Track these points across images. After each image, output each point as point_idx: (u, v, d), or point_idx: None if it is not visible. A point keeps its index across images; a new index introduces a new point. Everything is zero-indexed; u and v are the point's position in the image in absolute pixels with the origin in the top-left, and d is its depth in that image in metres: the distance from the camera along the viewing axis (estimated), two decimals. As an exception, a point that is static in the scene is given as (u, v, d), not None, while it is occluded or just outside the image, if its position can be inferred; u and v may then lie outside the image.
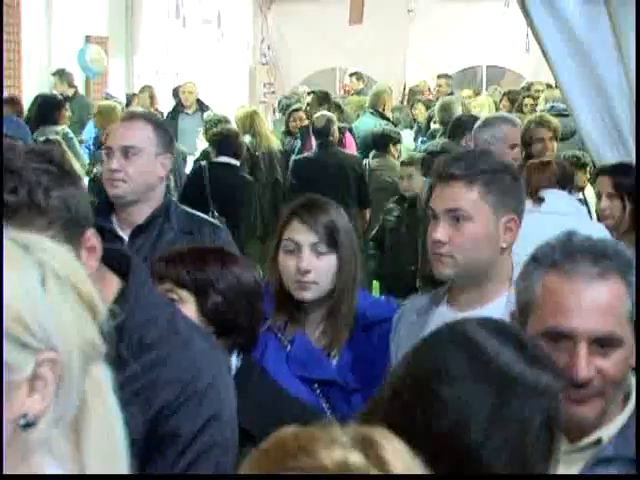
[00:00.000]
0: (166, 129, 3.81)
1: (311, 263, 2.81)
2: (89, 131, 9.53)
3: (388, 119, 10.02)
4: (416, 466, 1.12)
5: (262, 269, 4.16)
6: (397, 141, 8.49)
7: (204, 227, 3.67)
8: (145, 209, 3.60)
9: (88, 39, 12.69)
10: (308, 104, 9.65)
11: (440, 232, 2.58)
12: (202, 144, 8.82)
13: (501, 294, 2.59)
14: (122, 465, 1.36)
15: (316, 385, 2.79)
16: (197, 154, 8.56)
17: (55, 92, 10.34)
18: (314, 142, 8.37)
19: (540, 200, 4.56)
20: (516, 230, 2.62)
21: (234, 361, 2.47)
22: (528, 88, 12.00)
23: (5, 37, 11.18)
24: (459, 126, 6.55)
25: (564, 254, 1.84)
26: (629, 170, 4.71)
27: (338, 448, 1.08)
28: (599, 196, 4.83)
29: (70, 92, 10.74)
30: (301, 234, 2.83)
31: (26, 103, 9.00)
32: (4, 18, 10.80)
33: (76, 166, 6.64)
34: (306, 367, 2.81)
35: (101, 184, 6.31)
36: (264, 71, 15.55)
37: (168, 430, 1.93)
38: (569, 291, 1.81)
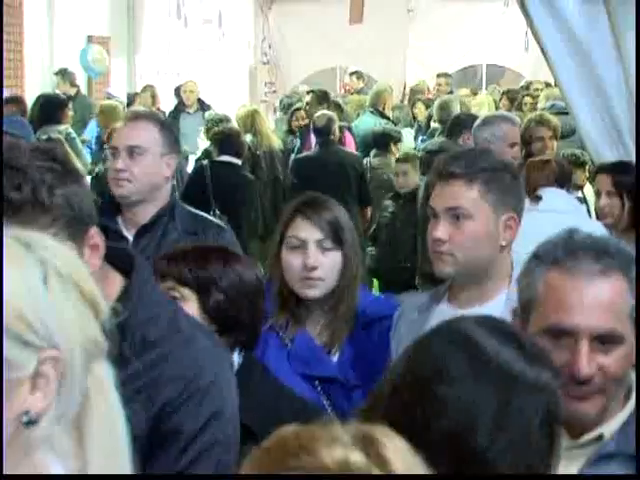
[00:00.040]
0: (171, 129, 3.81)
1: (317, 259, 2.80)
2: (91, 130, 9.54)
3: (388, 118, 10.03)
4: (417, 465, 1.12)
5: (263, 268, 4.17)
6: (398, 140, 8.51)
7: (208, 228, 3.66)
8: (150, 209, 3.60)
9: (90, 39, 12.68)
10: (307, 103, 9.66)
11: (440, 230, 2.59)
12: (203, 143, 8.83)
13: (501, 292, 2.61)
14: (124, 462, 1.37)
15: (317, 382, 2.79)
16: (198, 153, 8.57)
17: (58, 92, 10.35)
18: (313, 141, 8.38)
19: (537, 198, 4.57)
20: (516, 228, 2.63)
21: (236, 358, 2.47)
22: (527, 87, 12.00)
23: (8, 37, 11.19)
24: (457, 124, 6.54)
25: (566, 251, 1.84)
26: (629, 168, 4.72)
27: (339, 447, 1.08)
28: (598, 194, 4.84)
29: (72, 92, 10.73)
30: (306, 231, 2.82)
31: (28, 103, 9.00)
32: (6, 18, 10.81)
33: (78, 165, 6.63)
34: (307, 364, 2.81)
35: (103, 183, 6.35)
36: (265, 70, 15.57)
37: (170, 427, 1.94)
38: (571, 288, 1.81)
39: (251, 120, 8.51)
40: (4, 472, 1.25)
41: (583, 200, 5.94)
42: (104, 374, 1.35)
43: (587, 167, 6.29)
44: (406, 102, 13.03)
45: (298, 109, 9.77)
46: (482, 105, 11.15)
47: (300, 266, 2.81)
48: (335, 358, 2.85)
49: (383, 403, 1.50)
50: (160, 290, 2.19)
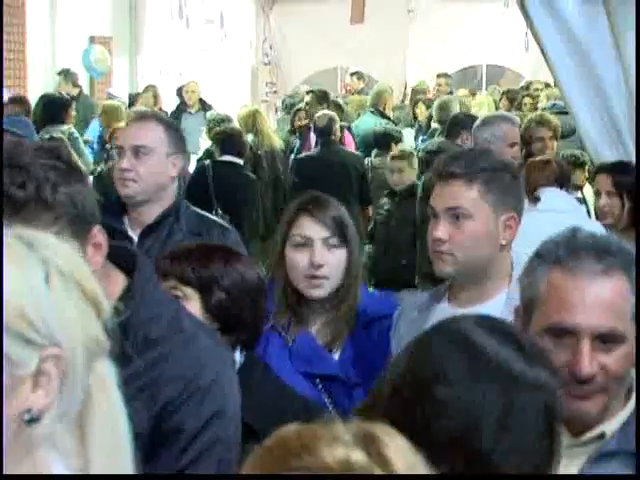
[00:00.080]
0: (177, 129, 3.80)
1: (323, 257, 2.80)
2: (93, 130, 9.56)
3: (388, 118, 10.05)
4: (419, 464, 1.12)
5: (263, 267, 4.18)
6: (399, 140, 8.52)
7: (213, 229, 3.65)
8: (156, 209, 3.59)
9: (92, 39, 12.67)
10: (307, 103, 9.67)
11: (440, 230, 2.60)
12: (205, 143, 8.84)
13: (501, 291, 2.62)
14: (126, 460, 1.37)
15: (318, 380, 2.79)
16: (200, 153, 8.58)
17: (61, 92, 10.36)
18: (312, 141, 8.39)
19: (536, 199, 4.58)
20: (515, 228, 2.64)
21: (237, 357, 2.47)
22: (527, 87, 12.02)
23: (10, 37, 11.21)
24: (456, 124, 6.54)
25: (568, 251, 1.85)
26: (628, 168, 4.74)
27: (340, 446, 1.08)
28: (598, 194, 4.85)
29: (74, 92, 10.75)
30: (311, 229, 2.82)
31: (31, 103, 9.01)
32: (9, 19, 10.84)
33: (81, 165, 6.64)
34: (308, 363, 2.81)
35: (105, 183, 6.37)
36: (266, 71, 15.58)
37: (172, 426, 1.95)
38: (573, 287, 1.82)
39: (252, 120, 8.52)
40: (6, 469, 1.26)
41: (583, 201, 5.95)
42: (106, 372, 1.35)
43: (586, 167, 6.29)
44: (407, 102, 13.04)
45: (301, 109, 9.79)
46: (482, 105, 11.17)
47: (306, 264, 2.81)
48: (336, 356, 2.85)
49: (383, 402, 1.50)
50: (162, 289, 2.20)
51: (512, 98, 11.13)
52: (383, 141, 8.40)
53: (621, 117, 4.77)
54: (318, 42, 14.78)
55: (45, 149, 1.91)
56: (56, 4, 12.06)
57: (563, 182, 4.81)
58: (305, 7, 15.09)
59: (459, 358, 1.48)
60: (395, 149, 8.31)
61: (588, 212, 5.54)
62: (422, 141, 9.24)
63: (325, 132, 8.01)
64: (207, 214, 3.86)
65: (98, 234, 1.92)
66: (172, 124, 3.86)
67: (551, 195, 4.66)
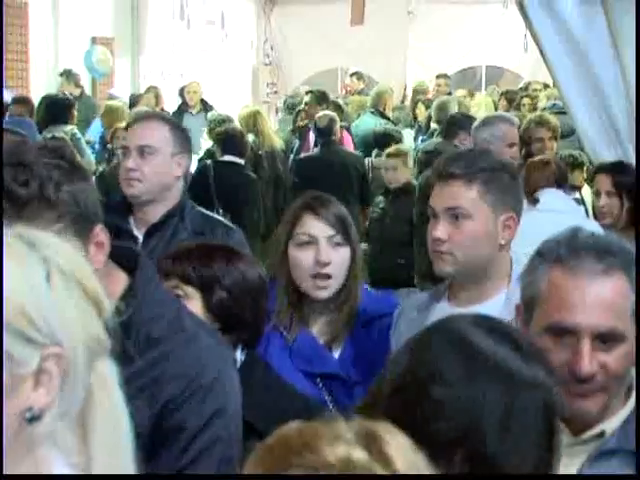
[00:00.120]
0: (183, 129, 3.79)
1: (329, 255, 2.81)
2: (94, 130, 9.58)
3: (388, 118, 10.07)
4: (420, 462, 1.12)
5: (264, 266, 4.18)
6: (399, 140, 8.53)
7: (217, 228, 3.65)
8: (161, 208, 3.60)
9: (94, 40, 12.66)
10: (306, 103, 9.68)
11: (440, 230, 2.61)
12: (206, 143, 8.86)
13: (500, 291, 2.63)
14: (128, 458, 1.37)
15: (318, 379, 2.80)
16: (201, 153, 8.60)
17: (65, 92, 10.37)
18: (312, 141, 8.41)
19: (535, 201, 4.59)
20: (514, 228, 2.65)
21: (238, 356, 2.48)
22: (526, 88, 12.01)
23: (13, 38, 11.24)
24: (453, 124, 6.55)
25: (569, 250, 1.85)
26: (628, 168, 4.76)
27: (342, 444, 1.08)
28: (598, 194, 4.86)
29: (76, 92, 10.77)
30: (316, 227, 2.82)
31: (34, 104, 9.03)
32: (12, 20, 10.87)
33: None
34: (309, 361, 2.82)
35: (107, 182, 6.38)
36: (267, 71, 15.57)
37: (174, 424, 1.95)
38: (573, 287, 1.83)
39: (253, 120, 8.54)
40: (7, 468, 1.26)
41: (581, 201, 5.96)
42: (107, 371, 1.36)
43: (585, 168, 6.31)
44: (406, 103, 13.05)
45: (302, 110, 9.81)
46: (480, 106, 11.19)
47: (311, 263, 2.80)
48: (336, 355, 2.85)
49: (383, 402, 1.49)
50: (164, 289, 2.20)
51: (511, 99, 11.15)
52: (383, 141, 8.41)
53: (619, 117, 4.79)
54: (319, 43, 14.77)
55: (49, 148, 1.92)
56: (58, 5, 12.07)
57: (561, 182, 4.83)
58: (306, 8, 15.09)
59: (455, 358, 1.48)
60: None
61: (586, 212, 5.55)
62: (422, 141, 9.26)
63: (326, 132, 8.02)
64: (212, 214, 3.86)
65: (100, 233, 1.93)
66: (177, 124, 3.85)
67: (551, 195, 4.68)
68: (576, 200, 5.58)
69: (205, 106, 11.10)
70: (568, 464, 1.77)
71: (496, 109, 10.91)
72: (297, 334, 2.86)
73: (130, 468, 1.38)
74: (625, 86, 4.60)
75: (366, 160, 8.35)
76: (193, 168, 7.64)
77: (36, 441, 1.29)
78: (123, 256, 2.05)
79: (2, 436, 1.25)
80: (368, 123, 9.62)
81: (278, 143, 8.68)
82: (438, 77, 12.87)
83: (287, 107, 11.44)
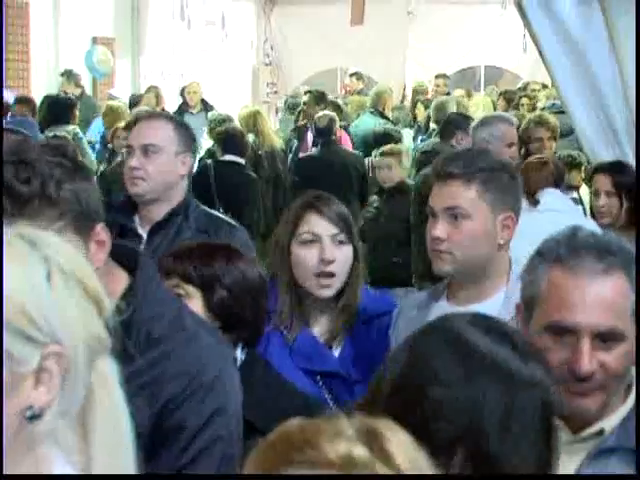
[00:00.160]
0: (187, 128, 3.79)
1: (333, 253, 2.80)
2: (94, 129, 9.59)
3: (388, 118, 10.08)
4: (421, 459, 1.12)
5: (264, 265, 4.18)
6: (398, 140, 8.56)
7: (221, 227, 3.64)
8: (165, 207, 3.59)
9: (95, 40, 12.68)
10: (304, 103, 9.69)
11: (439, 229, 2.62)
12: (206, 143, 8.88)
13: (499, 290, 2.64)
14: (128, 457, 1.37)
15: (319, 377, 2.80)
16: (202, 153, 8.62)
17: (66, 92, 10.38)
18: (310, 141, 8.42)
19: (536, 202, 4.60)
20: (513, 227, 2.66)
21: (239, 355, 2.48)
22: (524, 88, 12.03)
23: (14, 39, 11.27)
24: (450, 124, 6.56)
25: (569, 249, 1.85)
26: (627, 168, 4.78)
27: (343, 441, 1.08)
28: (597, 194, 4.88)
29: (77, 92, 10.78)
30: (320, 225, 2.82)
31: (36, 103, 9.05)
32: (13, 20, 10.90)
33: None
34: (309, 360, 2.82)
35: (107, 181, 6.39)
36: (267, 71, 15.57)
37: (174, 423, 1.96)
38: (574, 286, 1.83)
39: (253, 120, 8.56)
40: (7, 466, 1.26)
41: (579, 201, 5.97)
42: (108, 370, 1.36)
43: (583, 168, 6.32)
44: (406, 103, 13.07)
45: (301, 109, 9.84)
46: (477, 106, 11.21)
47: (315, 261, 2.80)
48: (336, 354, 2.86)
49: (383, 400, 1.49)
50: (165, 288, 2.21)
51: (509, 99, 11.17)
52: (383, 141, 8.42)
53: (617, 117, 4.80)
54: (318, 43, 14.78)
55: (51, 146, 1.93)
56: (59, 5, 12.10)
57: (558, 182, 4.84)
58: (305, 8, 15.10)
59: (452, 358, 1.48)
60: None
61: (584, 212, 5.56)
62: (421, 141, 9.27)
63: (325, 132, 8.04)
64: (216, 213, 3.85)
65: (101, 232, 1.93)
66: (182, 123, 3.85)
67: (550, 196, 4.69)
68: (574, 200, 5.59)
69: (205, 106, 11.12)
70: (568, 462, 1.78)
71: (495, 109, 10.93)
72: (297, 333, 2.85)
73: (130, 467, 1.38)
74: (623, 86, 4.62)
75: (366, 160, 8.37)
76: (194, 168, 7.67)
77: (37, 439, 1.30)
78: (124, 255, 2.05)
79: (2, 436, 1.26)
80: (368, 123, 9.64)
81: (278, 143, 8.70)
82: (437, 77, 12.87)
83: (288, 107, 11.46)
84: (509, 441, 1.43)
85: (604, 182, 4.81)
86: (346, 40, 14.16)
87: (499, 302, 2.57)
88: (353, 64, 14.58)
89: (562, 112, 6.73)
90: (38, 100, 8.88)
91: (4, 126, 6.79)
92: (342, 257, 2.83)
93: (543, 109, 8.29)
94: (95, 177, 6.87)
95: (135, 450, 1.39)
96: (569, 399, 1.78)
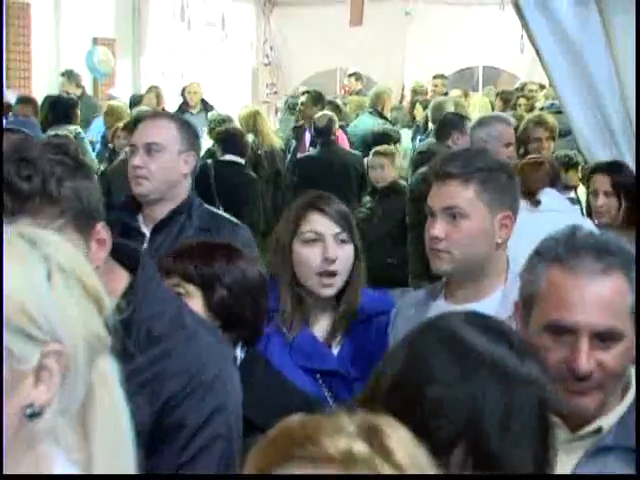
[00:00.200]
0: (191, 127, 3.79)
1: (336, 252, 2.82)
2: (95, 128, 9.61)
3: (386, 118, 10.10)
4: (421, 455, 1.12)
5: (263, 264, 4.18)
6: (397, 140, 8.59)
7: (224, 225, 3.64)
8: (168, 206, 3.59)
9: (96, 41, 12.68)
10: (302, 104, 9.70)
11: (438, 229, 2.64)
12: (206, 143, 8.89)
13: (497, 288, 2.66)
14: (128, 455, 1.38)
15: (318, 376, 2.81)
16: (201, 153, 8.62)
17: (68, 92, 10.39)
18: (307, 141, 8.43)
19: (537, 202, 4.61)
20: (511, 227, 2.68)
21: (239, 353, 2.49)
22: (522, 88, 12.04)
23: (15, 39, 11.28)
24: (445, 124, 6.58)
25: (568, 249, 1.86)
26: (625, 168, 4.80)
27: (343, 437, 1.09)
28: (595, 193, 4.89)
29: (78, 92, 10.79)
30: (323, 224, 2.83)
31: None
32: (14, 20, 10.91)
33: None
34: (309, 358, 2.82)
35: (108, 181, 6.39)
36: (267, 72, 15.56)
37: (174, 421, 1.96)
38: (573, 286, 1.84)
39: (253, 120, 8.58)
40: (8, 464, 1.26)
41: (577, 201, 5.98)
42: (108, 369, 1.36)
43: (580, 167, 6.34)
44: (404, 103, 13.08)
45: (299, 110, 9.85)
46: (474, 106, 11.23)
47: (318, 260, 2.81)
48: (335, 353, 2.87)
49: (382, 396, 1.49)
50: (165, 287, 2.21)
51: (506, 99, 11.17)
52: (382, 141, 8.43)
53: (614, 117, 4.81)
54: (318, 43, 14.77)
55: (53, 145, 1.94)
56: (60, 6, 12.11)
57: (554, 182, 4.85)
58: (305, 9, 15.09)
59: (448, 357, 1.48)
60: (394, 149, 8.36)
61: (581, 212, 5.58)
62: (420, 141, 9.29)
63: (325, 132, 8.06)
64: (219, 211, 3.86)
65: (102, 230, 1.94)
66: (185, 122, 3.84)
67: (548, 196, 4.70)
68: (571, 200, 5.61)
69: (205, 106, 11.13)
70: (566, 460, 1.80)
71: (493, 109, 10.94)
72: (297, 333, 2.86)
73: (131, 465, 1.39)
74: (619, 86, 4.64)
75: (365, 160, 8.38)
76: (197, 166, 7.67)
77: (37, 437, 1.30)
78: (125, 254, 2.06)
79: (2, 435, 1.26)
80: (366, 123, 9.65)
81: (277, 143, 8.72)
82: (435, 77, 12.87)
83: (289, 107, 11.46)
84: (509, 439, 1.43)
85: (602, 182, 4.83)
86: (345, 41, 14.16)
87: (497, 301, 2.59)
88: (352, 64, 14.58)
89: (561, 112, 6.76)
90: (39, 100, 8.89)
91: (6, 126, 6.82)
92: (344, 256, 2.84)
93: (542, 109, 8.30)
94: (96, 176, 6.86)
95: (135, 448, 1.39)
96: (568, 398, 1.81)
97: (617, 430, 1.88)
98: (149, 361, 1.95)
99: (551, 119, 6.15)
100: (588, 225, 4.23)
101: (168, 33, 13.54)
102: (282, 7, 15.64)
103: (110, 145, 8.33)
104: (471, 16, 14.94)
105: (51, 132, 7.74)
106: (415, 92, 12.55)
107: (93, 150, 8.94)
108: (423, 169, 5.80)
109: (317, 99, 9.53)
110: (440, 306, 2.63)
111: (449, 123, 6.51)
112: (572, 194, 6.09)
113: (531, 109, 9.47)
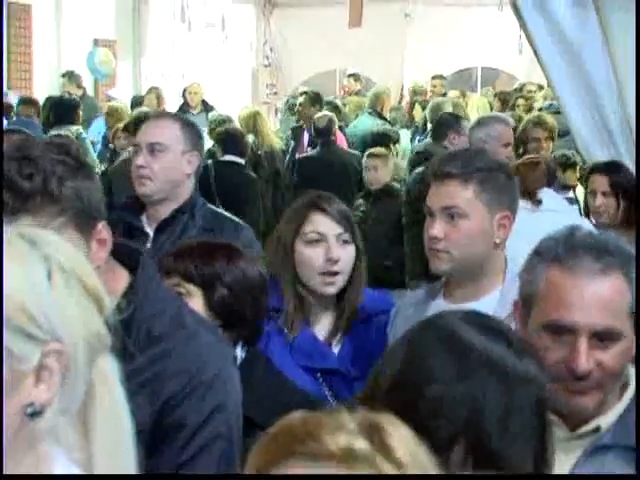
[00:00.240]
0: (194, 127, 3.79)
1: (339, 252, 2.82)
2: (95, 129, 9.62)
3: (385, 119, 10.11)
4: (421, 453, 1.13)
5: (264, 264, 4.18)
6: (396, 140, 8.60)
7: (226, 225, 3.64)
8: (172, 206, 3.59)
9: (96, 42, 12.69)
10: (300, 104, 9.71)
11: (436, 229, 2.64)
12: (207, 143, 8.90)
13: (495, 288, 2.67)
14: (129, 455, 1.38)
15: (319, 374, 2.82)
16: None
17: (70, 93, 10.40)
18: (305, 142, 8.43)
19: (539, 202, 4.62)
20: (509, 226, 2.69)
21: (239, 353, 2.50)
22: (520, 89, 12.06)
23: (16, 40, 11.30)
24: (441, 125, 6.58)
25: (567, 249, 1.86)
26: (624, 168, 4.81)
27: (344, 434, 1.09)
28: (593, 193, 4.91)
29: (79, 93, 10.81)
30: (325, 225, 2.84)
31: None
32: (15, 22, 10.92)
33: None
34: (309, 357, 2.83)
35: (108, 180, 6.40)
36: (267, 73, 15.57)
37: (174, 420, 1.97)
38: (572, 286, 1.84)
39: (253, 121, 8.59)
40: (9, 463, 1.27)
41: (575, 201, 6.00)
42: (108, 368, 1.37)
43: (578, 167, 6.35)
44: (403, 103, 13.10)
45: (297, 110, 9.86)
46: (472, 107, 11.25)
47: (321, 260, 2.81)
48: (335, 352, 2.88)
49: (382, 394, 1.49)
50: (165, 286, 2.22)
51: (504, 100, 11.20)
52: (381, 141, 8.45)
53: (612, 117, 4.82)
54: (317, 44, 14.77)
55: (55, 144, 1.95)
56: (61, 7, 12.13)
57: (551, 181, 4.87)
58: (305, 11, 15.10)
59: (447, 356, 1.48)
60: (393, 149, 8.37)
61: (579, 212, 5.60)
62: (419, 142, 9.30)
63: (325, 132, 8.07)
64: (222, 211, 3.86)
65: (103, 230, 1.94)
66: (189, 122, 3.85)
67: (547, 195, 4.72)
68: (569, 200, 5.62)
69: (206, 107, 11.14)
70: (564, 458, 1.81)
71: (491, 110, 10.96)
72: (298, 332, 2.87)
73: (131, 464, 1.39)
74: (617, 86, 4.65)
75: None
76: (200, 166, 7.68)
77: (37, 437, 1.31)
78: (125, 254, 2.06)
79: (2, 435, 1.26)
80: (366, 124, 9.67)
81: (277, 143, 8.73)
82: (434, 78, 12.88)
83: (289, 107, 11.47)
84: (508, 438, 1.43)
85: (601, 182, 4.84)
86: (345, 42, 14.17)
87: (495, 300, 2.61)
88: (352, 65, 14.60)
89: (559, 112, 6.77)
90: (40, 101, 8.91)
91: (8, 127, 6.83)
92: (346, 256, 2.85)
93: (540, 109, 8.32)
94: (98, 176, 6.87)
95: (135, 447, 1.39)
96: (567, 397, 1.83)
97: (615, 429, 1.89)
98: (149, 361, 1.95)
99: (550, 119, 6.17)
100: (587, 225, 4.25)
101: (168, 34, 13.55)
102: (282, 8, 15.65)
103: (111, 145, 8.35)
104: (470, 17, 14.95)
105: (53, 132, 7.75)
106: (414, 93, 12.57)
107: (94, 150, 8.96)
108: (420, 169, 5.81)
109: (315, 99, 9.54)
110: (439, 305, 2.64)
111: (445, 123, 6.52)
112: (570, 194, 6.11)
113: (529, 109, 9.49)
